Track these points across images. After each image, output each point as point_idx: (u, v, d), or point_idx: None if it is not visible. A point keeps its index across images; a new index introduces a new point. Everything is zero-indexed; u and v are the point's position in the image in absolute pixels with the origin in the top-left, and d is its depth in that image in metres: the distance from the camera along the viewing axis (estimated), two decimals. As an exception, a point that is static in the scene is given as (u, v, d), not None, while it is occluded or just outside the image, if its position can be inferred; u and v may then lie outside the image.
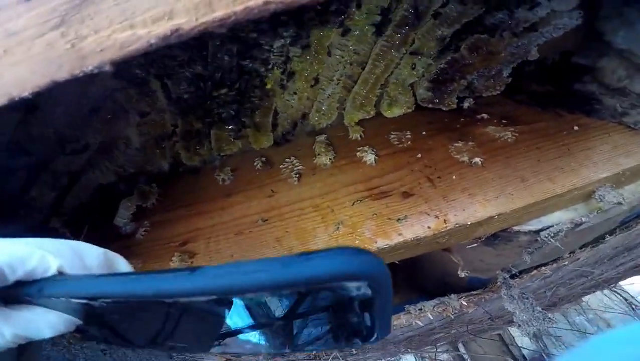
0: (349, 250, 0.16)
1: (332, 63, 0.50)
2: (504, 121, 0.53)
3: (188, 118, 0.49)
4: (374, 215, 0.43)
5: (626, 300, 1.45)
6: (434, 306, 0.58)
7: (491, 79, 0.56)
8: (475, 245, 0.46)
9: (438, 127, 0.54)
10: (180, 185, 0.55)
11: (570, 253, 0.59)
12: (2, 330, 0.18)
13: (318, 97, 0.53)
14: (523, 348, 1.43)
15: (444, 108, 0.56)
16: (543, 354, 1.41)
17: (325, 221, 0.44)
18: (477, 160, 0.46)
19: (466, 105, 0.57)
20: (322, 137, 0.54)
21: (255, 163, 0.53)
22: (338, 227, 0.43)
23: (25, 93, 0.21)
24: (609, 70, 0.61)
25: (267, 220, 0.46)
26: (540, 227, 0.47)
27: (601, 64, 0.61)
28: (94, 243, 0.51)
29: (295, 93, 0.51)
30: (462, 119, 0.55)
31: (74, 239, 0.51)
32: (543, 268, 0.58)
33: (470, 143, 0.49)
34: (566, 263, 0.58)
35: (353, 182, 0.47)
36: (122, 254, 0.49)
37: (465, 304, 0.59)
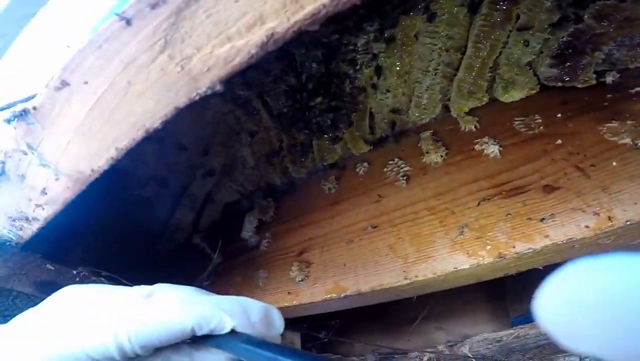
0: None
1: (424, 53, 0.44)
2: None
3: (291, 132, 0.50)
4: (508, 216, 0.35)
5: None
6: None
7: (637, 47, 0.42)
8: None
9: (577, 106, 0.42)
10: (292, 197, 0.57)
11: None
12: None
13: (415, 91, 0.48)
14: None
15: (579, 86, 0.44)
16: None
17: (445, 225, 0.38)
18: (649, 137, 0.34)
19: (609, 79, 0.44)
20: (427, 133, 0.49)
21: (357, 169, 0.51)
22: (462, 231, 0.37)
23: (157, 124, 0.23)
24: None
25: (376, 226, 0.43)
26: None
27: None
28: (226, 259, 0.56)
29: (388, 90, 0.47)
30: (609, 95, 0.42)
31: (212, 253, 0.57)
32: None
33: (629, 122, 0.37)
34: None
35: (475, 178, 0.41)
36: (250, 265, 0.52)
37: None
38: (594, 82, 0.44)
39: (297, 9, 0.17)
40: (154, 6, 0.20)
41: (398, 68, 0.46)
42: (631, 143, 0.35)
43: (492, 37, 0.43)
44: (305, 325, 0.63)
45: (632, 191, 0.32)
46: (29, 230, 0.36)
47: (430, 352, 0.57)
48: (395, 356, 0.62)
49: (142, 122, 0.23)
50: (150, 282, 0.24)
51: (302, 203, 0.54)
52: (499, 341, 0.50)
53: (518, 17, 0.41)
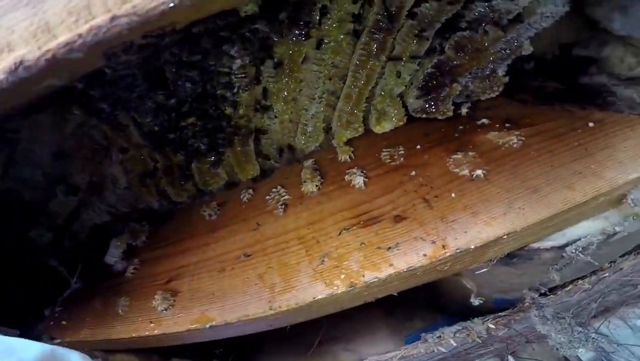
0: None
1: (311, 80, 0.45)
2: (507, 125, 0.45)
3: (165, 152, 0.45)
4: (362, 245, 0.36)
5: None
6: (455, 332, 0.49)
7: (486, 79, 0.49)
8: (485, 269, 0.38)
9: (434, 138, 0.47)
10: (170, 222, 0.51)
11: (610, 263, 0.49)
12: None
13: (301, 118, 0.48)
14: (581, 355, 1.24)
15: (440, 117, 0.49)
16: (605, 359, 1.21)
17: (310, 254, 0.38)
18: (479, 172, 0.38)
19: (464, 111, 0.50)
20: (309, 162, 0.49)
21: (242, 196, 0.49)
22: (323, 260, 0.37)
23: None
24: (615, 58, 0.52)
25: (250, 255, 0.41)
26: (564, 241, 0.38)
27: (606, 53, 0.52)
28: (86, 283, 0.48)
29: (275, 116, 0.47)
30: (461, 127, 0.47)
31: (70, 277, 0.49)
32: (580, 281, 0.48)
33: (471, 153, 0.42)
34: (607, 274, 0.48)
35: (341, 209, 0.41)
36: (111, 292, 0.45)
37: (493, 327, 0.49)
38: (451, 113, 0.49)
39: (49, 38, 0.16)
40: None
41: (285, 94, 0.46)
42: (469, 174, 0.39)
43: (369, 66, 0.44)
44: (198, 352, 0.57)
45: (463, 220, 0.35)
46: None
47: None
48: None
49: None
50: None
51: (179, 229, 0.49)
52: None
53: (393, 47, 0.44)
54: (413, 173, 0.42)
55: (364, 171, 0.45)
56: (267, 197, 0.47)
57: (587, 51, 0.56)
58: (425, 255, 0.33)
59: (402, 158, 0.45)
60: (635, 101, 0.46)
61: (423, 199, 0.38)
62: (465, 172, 0.40)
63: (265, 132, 0.48)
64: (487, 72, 0.48)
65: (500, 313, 0.49)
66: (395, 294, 0.37)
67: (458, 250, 0.33)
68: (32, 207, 0.50)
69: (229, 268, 0.41)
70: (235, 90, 0.43)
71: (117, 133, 0.43)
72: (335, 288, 0.34)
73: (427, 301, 0.65)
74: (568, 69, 0.54)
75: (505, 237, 0.33)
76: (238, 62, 0.39)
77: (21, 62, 0.15)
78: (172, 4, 0.16)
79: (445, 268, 0.35)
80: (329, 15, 0.40)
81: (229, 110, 0.44)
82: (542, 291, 0.47)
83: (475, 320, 0.49)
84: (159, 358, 0.49)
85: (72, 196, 0.50)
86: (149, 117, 0.42)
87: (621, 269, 0.48)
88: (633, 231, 0.38)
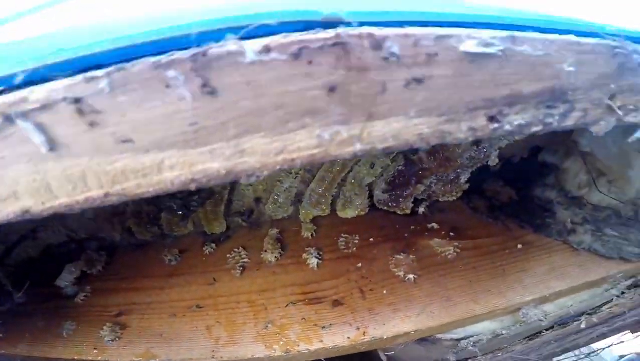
0: None
1: None
2: (452, 233, 0.68)
3: (137, 201, 0.63)
4: (303, 320, 0.55)
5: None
6: None
7: (449, 184, 0.72)
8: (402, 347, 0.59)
9: (387, 233, 0.68)
10: (128, 256, 0.68)
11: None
12: None
13: (275, 188, 0.68)
14: None
15: (399, 212, 0.71)
16: None
17: (256, 318, 0.56)
18: (411, 276, 0.59)
19: (421, 210, 0.72)
20: (274, 231, 0.68)
21: (204, 248, 0.67)
22: (267, 326, 0.55)
23: None
24: (572, 173, 0.76)
25: (202, 307, 0.59)
26: (462, 336, 0.60)
27: (566, 165, 0.76)
28: (31, 300, 0.63)
29: (250, 185, 0.67)
30: (413, 226, 0.69)
31: (14, 291, 0.63)
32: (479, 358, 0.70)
33: (411, 256, 0.63)
34: (500, 354, 0.70)
35: (292, 283, 0.60)
36: (57, 314, 0.61)
37: None
38: (409, 211, 0.71)
39: (51, 197, 0.27)
40: None
41: None
42: (402, 275, 0.60)
43: None
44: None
45: (386, 314, 0.55)
46: None
47: None
48: None
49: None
50: None
51: (137, 266, 0.66)
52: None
53: None
54: (359, 264, 0.63)
55: (320, 253, 0.65)
56: (228, 255, 0.66)
57: (552, 158, 0.81)
58: (348, 338, 0.53)
59: (354, 248, 0.66)
60: (566, 227, 0.70)
61: (360, 290, 0.59)
62: (401, 273, 0.60)
63: (239, 195, 0.68)
64: (452, 177, 0.71)
65: None
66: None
67: (374, 338, 0.53)
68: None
69: (179, 314, 0.58)
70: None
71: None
72: (273, 351, 0.52)
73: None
74: (529, 175, 0.78)
75: (412, 332, 0.53)
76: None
77: (27, 211, 0.27)
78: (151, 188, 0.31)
79: (362, 348, 0.54)
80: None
81: None
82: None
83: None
84: None
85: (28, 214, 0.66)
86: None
87: (513, 350, 0.70)
88: (517, 333, 0.61)
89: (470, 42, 0.22)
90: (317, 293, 0.59)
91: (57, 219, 0.66)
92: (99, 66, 0.24)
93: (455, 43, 0.22)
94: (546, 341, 0.74)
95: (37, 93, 0.24)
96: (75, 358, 0.55)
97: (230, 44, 0.21)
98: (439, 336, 0.59)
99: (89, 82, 0.24)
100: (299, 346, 0.53)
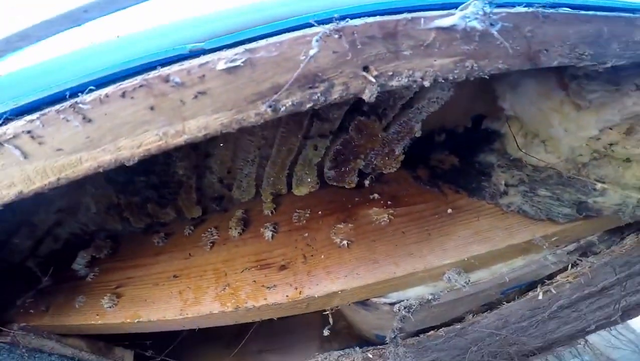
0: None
1: (246, 146, 0.77)
2: (389, 202, 0.76)
3: (125, 194, 0.78)
4: (253, 282, 0.67)
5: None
6: (338, 357, 0.79)
7: (386, 157, 0.80)
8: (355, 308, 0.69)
9: (334, 206, 0.78)
10: (128, 241, 0.84)
11: (473, 315, 0.78)
12: None
13: (238, 175, 0.80)
14: None
15: (347, 186, 0.80)
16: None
17: (217, 282, 0.69)
18: (345, 242, 0.69)
19: (367, 183, 0.81)
20: (239, 212, 0.80)
21: (185, 231, 0.81)
22: (225, 288, 0.68)
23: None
24: (510, 137, 0.80)
25: (178, 276, 0.72)
26: (394, 300, 0.68)
27: (505, 130, 0.81)
28: (55, 281, 0.80)
29: (213, 173, 0.79)
30: (357, 198, 0.78)
31: (42, 276, 0.80)
32: (442, 329, 0.77)
33: (350, 225, 0.73)
34: (459, 326, 0.77)
35: (249, 253, 0.72)
36: (73, 291, 0.77)
37: (371, 357, 0.79)
38: (354, 184, 0.80)
39: (30, 183, 0.43)
40: None
41: (221, 159, 0.77)
42: (339, 242, 0.70)
43: (290, 141, 0.75)
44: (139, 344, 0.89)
45: (320, 276, 0.66)
46: None
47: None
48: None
49: None
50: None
51: (133, 248, 0.81)
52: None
53: (311, 126, 0.75)
54: (306, 234, 0.73)
55: (276, 227, 0.76)
56: (202, 235, 0.79)
57: (495, 125, 0.85)
58: (287, 296, 0.64)
59: (304, 221, 0.76)
60: (499, 189, 0.75)
61: (303, 256, 0.69)
62: (338, 240, 0.70)
63: (208, 183, 0.80)
64: (386, 151, 0.79)
65: (378, 346, 0.79)
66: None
67: (307, 296, 0.63)
68: (17, 219, 0.82)
69: (161, 283, 0.72)
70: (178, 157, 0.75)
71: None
72: (226, 308, 0.65)
73: (347, 329, 0.96)
74: (476, 144, 0.83)
75: (339, 292, 0.63)
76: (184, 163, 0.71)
77: (21, 192, 0.42)
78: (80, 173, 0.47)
79: (303, 306, 0.65)
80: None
81: (174, 174, 0.76)
82: (400, 334, 0.77)
83: (357, 348, 0.79)
84: (104, 345, 0.81)
85: (52, 215, 0.82)
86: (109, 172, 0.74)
87: (477, 322, 0.77)
88: (448, 300, 0.68)
89: (221, 62, 0.32)
90: (268, 260, 0.70)
91: (70, 216, 0.82)
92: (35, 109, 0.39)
93: (212, 65, 0.33)
94: (518, 315, 0.79)
95: (10, 128, 0.40)
96: (82, 323, 0.71)
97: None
98: (374, 300, 0.68)
99: (31, 122, 0.38)
100: (246, 303, 0.64)
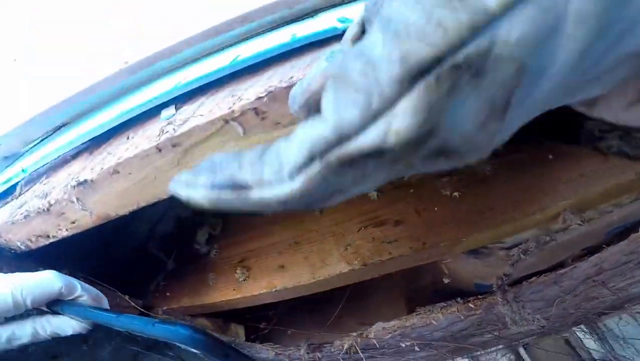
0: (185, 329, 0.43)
1: None
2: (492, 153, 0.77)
3: None
4: (373, 239, 0.71)
5: None
6: (442, 308, 0.84)
7: None
8: (464, 257, 0.72)
9: None
10: (236, 218, 0.89)
11: (572, 260, 0.80)
12: (45, 327, 0.47)
13: None
14: (591, 350, 1.56)
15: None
16: (611, 356, 1.54)
17: (338, 244, 0.73)
18: (456, 193, 0.71)
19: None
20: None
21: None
22: (347, 248, 0.72)
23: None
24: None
25: (298, 243, 0.77)
26: (511, 244, 0.71)
27: None
28: (180, 263, 0.87)
29: None
30: None
31: (167, 259, 0.87)
32: (542, 276, 0.80)
33: (455, 177, 0.74)
34: (565, 271, 0.80)
35: (360, 214, 0.75)
36: (201, 270, 0.84)
37: (473, 306, 0.84)
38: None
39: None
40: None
41: None
42: (449, 194, 0.72)
43: None
44: (249, 317, 0.97)
45: (438, 227, 0.68)
46: (42, 243, 0.65)
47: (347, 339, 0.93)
48: (325, 345, 0.97)
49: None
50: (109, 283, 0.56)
51: (244, 222, 0.86)
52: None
53: None
54: (411, 190, 0.75)
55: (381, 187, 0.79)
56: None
57: None
58: (411, 247, 0.67)
59: (405, 178, 0.78)
60: (594, 135, 0.75)
61: (415, 210, 0.72)
62: (447, 192, 0.72)
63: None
64: None
65: (479, 296, 0.83)
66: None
67: (431, 246, 0.67)
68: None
69: (284, 251, 0.77)
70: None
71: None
72: (354, 266, 0.69)
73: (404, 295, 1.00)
74: None
75: (464, 240, 0.66)
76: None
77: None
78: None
79: (425, 257, 0.69)
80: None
81: None
82: (513, 279, 0.80)
83: (459, 299, 0.83)
84: (222, 322, 0.88)
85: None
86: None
87: (575, 268, 0.79)
88: (563, 240, 0.70)
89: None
90: (381, 218, 0.73)
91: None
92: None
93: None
94: (613, 261, 0.80)
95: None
96: (221, 299, 0.77)
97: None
98: (490, 245, 0.71)
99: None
100: (372, 259, 0.68)
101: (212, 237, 0.86)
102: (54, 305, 0.49)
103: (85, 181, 0.53)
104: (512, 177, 0.72)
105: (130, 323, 0.45)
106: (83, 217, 0.58)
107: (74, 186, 0.54)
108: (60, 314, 0.48)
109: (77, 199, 0.56)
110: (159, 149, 0.47)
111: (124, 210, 0.56)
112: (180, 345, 0.42)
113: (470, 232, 0.66)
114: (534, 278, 0.80)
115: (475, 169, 0.74)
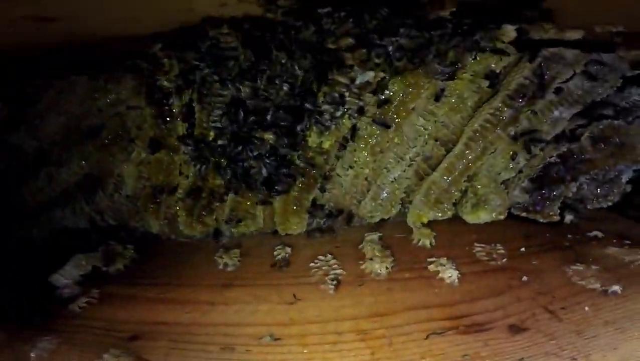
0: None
1: (409, 134, 0.45)
2: (627, 241, 0.46)
3: (206, 167, 0.43)
4: (465, 357, 0.31)
5: None
6: None
7: (606, 185, 0.50)
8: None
9: (540, 242, 0.47)
10: (165, 255, 0.46)
11: None
12: None
13: (379, 179, 0.46)
14: None
15: (541, 220, 0.49)
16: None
17: (377, 358, 0.32)
18: (616, 288, 0.37)
19: (568, 218, 0.50)
20: (374, 235, 0.46)
21: (275, 252, 0.45)
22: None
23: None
24: None
25: (279, 338, 0.34)
26: None
27: None
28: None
29: (351, 167, 0.45)
30: (569, 235, 0.48)
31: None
32: None
33: (594, 267, 0.41)
34: None
35: (425, 304, 0.37)
36: (34, 329, 0.36)
37: None
38: (557, 218, 0.49)
39: None
40: None
41: (373, 142, 0.46)
42: (600, 289, 0.38)
43: (490, 137, 0.45)
44: None
45: (608, 336, 0.33)
46: None
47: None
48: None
49: None
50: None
51: (176, 268, 0.44)
52: None
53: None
54: (524, 278, 0.40)
55: (455, 264, 0.42)
56: (312, 264, 0.43)
57: None
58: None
59: (504, 259, 0.43)
60: None
61: (545, 309, 0.35)
62: (596, 285, 0.39)
63: (330, 186, 0.47)
64: (612, 176, 0.50)
65: None
66: None
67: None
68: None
69: (242, 349, 0.34)
70: (341, 112, 0.43)
71: (158, 122, 0.43)
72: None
73: None
74: None
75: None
76: (366, 77, 0.41)
77: None
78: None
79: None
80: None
81: (311, 142, 0.44)
82: None
83: None
84: None
85: (55, 185, 0.46)
86: (218, 110, 0.41)
87: None
88: None
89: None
90: (475, 318, 0.36)
91: (82, 193, 0.50)
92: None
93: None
94: None
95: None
96: None
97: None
98: None
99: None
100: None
101: (101, 275, 0.42)
102: None
103: None
104: None
105: None
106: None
107: None
108: None
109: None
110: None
111: None
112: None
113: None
114: None
115: (620, 258, 0.45)
